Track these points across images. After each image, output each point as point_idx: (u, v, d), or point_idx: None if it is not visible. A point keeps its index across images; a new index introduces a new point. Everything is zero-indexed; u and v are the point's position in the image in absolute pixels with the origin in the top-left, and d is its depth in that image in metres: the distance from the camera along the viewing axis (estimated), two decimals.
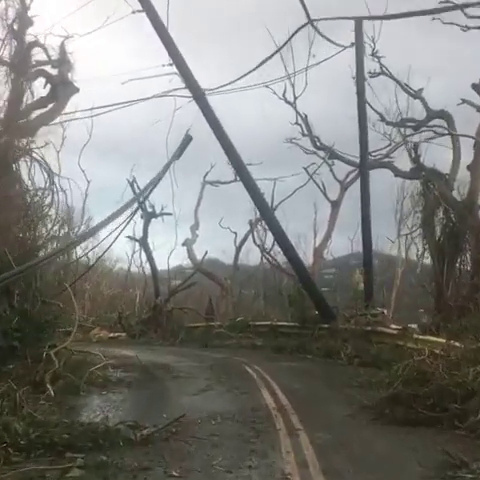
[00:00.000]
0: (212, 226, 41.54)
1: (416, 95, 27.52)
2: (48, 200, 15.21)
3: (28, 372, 12.18)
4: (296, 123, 29.88)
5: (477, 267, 22.82)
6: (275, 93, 29.99)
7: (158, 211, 30.63)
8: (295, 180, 35.96)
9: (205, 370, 15.77)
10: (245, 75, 22.54)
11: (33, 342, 13.82)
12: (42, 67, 23.83)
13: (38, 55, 23.35)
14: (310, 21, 23.53)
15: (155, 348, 23.90)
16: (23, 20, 22.63)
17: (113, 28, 26.36)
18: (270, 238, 36.12)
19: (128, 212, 19.34)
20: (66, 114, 24.95)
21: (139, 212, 30.60)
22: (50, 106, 23.48)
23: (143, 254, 35.17)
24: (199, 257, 35.96)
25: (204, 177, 39.19)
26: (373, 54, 27.11)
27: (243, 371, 15.71)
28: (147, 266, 35.56)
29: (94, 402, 11.01)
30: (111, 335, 29.41)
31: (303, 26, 23.90)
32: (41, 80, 23.63)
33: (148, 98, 24.16)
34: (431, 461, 7.31)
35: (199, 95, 22.25)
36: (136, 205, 22.80)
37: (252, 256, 41.58)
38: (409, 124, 27.62)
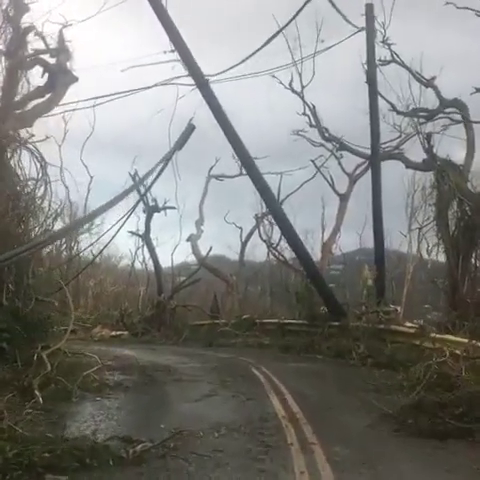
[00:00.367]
0: (217, 222, 40.64)
1: (428, 84, 26.45)
2: (41, 192, 14.18)
3: (16, 376, 11.25)
4: (304, 113, 28.85)
5: None
6: (281, 83, 29.00)
7: (161, 205, 29.57)
8: (302, 174, 35.02)
9: (209, 372, 14.77)
10: (249, 57, 21.34)
11: (24, 343, 12.91)
12: (40, 56, 22.92)
13: (35, 43, 22.43)
14: None
15: (157, 347, 22.94)
16: (19, 6, 21.70)
17: (112, 15, 25.39)
18: (277, 233, 35.28)
19: (130, 205, 18.65)
20: (64, 105, 23.95)
21: (141, 206, 29.91)
22: (47, 96, 22.54)
23: (146, 250, 34.09)
24: (204, 253, 34.98)
25: (209, 171, 38.20)
26: (384, 41, 26.10)
27: (249, 373, 14.72)
28: (150, 262, 34.57)
29: (86, 410, 10.03)
30: (113, 333, 28.50)
31: None
32: (38, 69, 22.71)
33: (149, 87, 23.11)
34: None
35: (202, 83, 21.23)
36: (138, 198, 22.06)
37: (258, 252, 40.61)
38: (421, 114, 26.51)
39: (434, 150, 24.26)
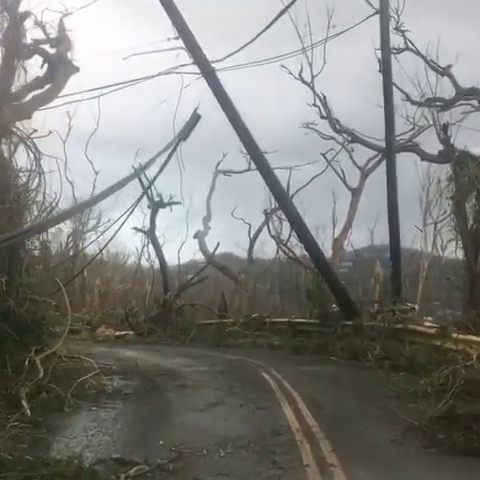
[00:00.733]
0: (225, 219, 39.61)
1: (444, 72, 25.32)
2: (35, 184, 13.20)
3: (5, 384, 10.30)
4: (314, 104, 27.71)
5: None
6: (291, 73, 27.88)
7: (166, 201, 28.55)
8: (312, 169, 33.93)
9: (215, 376, 13.78)
10: (255, 38, 20.19)
11: (15, 347, 11.96)
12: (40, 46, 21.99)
13: (34, 32, 21.50)
14: None
15: (162, 348, 21.97)
16: None
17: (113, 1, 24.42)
18: (286, 229, 34.28)
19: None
20: (64, 96, 22.98)
21: (146, 202, 28.96)
22: (47, 87, 21.61)
23: (151, 247, 33.06)
24: (211, 250, 33.92)
25: (216, 166, 37.18)
26: (397, 28, 25.01)
27: (259, 377, 13.71)
28: (156, 260, 33.52)
29: (79, 422, 9.06)
30: (117, 334, 27.57)
31: None
32: (37, 59, 21.77)
33: (153, 76, 22.09)
34: None
35: (208, 71, 20.22)
36: (141, 193, 21.15)
37: (267, 248, 39.53)
38: (437, 103, 25.41)
39: (451, 141, 23.25)
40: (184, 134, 18.70)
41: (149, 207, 28.77)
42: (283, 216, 32.26)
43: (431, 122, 27.55)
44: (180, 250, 35.36)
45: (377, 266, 35.49)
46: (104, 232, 29.38)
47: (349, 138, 28.47)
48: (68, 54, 22.17)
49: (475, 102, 24.22)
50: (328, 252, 32.13)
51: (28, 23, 21.20)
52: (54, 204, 13.40)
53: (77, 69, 21.95)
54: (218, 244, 32.12)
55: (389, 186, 20.88)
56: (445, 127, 23.08)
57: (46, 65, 21.49)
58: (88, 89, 23.67)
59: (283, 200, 22.36)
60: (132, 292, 38.82)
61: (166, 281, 30.03)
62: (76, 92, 23.46)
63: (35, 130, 30.79)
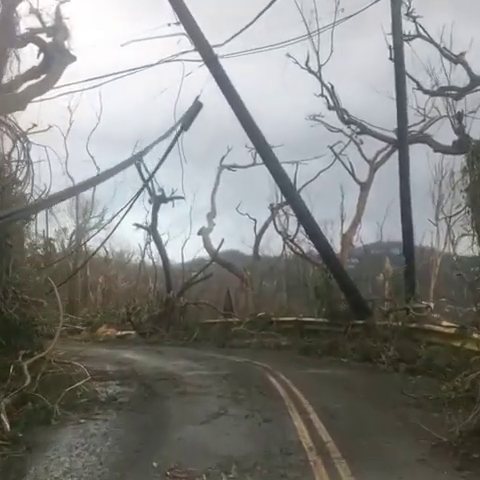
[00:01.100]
0: (230, 217, 38.73)
1: (457, 60, 24.21)
2: (23, 175, 12.23)
3: None
4: (321, 94, 26.63)
5: None
6: (297, 62, 26.80)
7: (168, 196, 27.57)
8: (318, 163, 32.89)
9: (219, 381, 12.78)
10: (254, 20, 19.17)
11: (1, 351, 11.00)
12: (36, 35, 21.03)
13: (29, 20, 20.58)
14: None
15: (165, 349, 21.02)
16: None
17: None
18: (293, 225, 33.28)
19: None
20: (61, 87, 22.00)
21: (148, 197, 28.02)
22: (42, 77, 20.65)
23: (154, 244, 32.03)
24: (216, 247, 32.96)
25: (220, 161, 36.14)
26: (408, 13, 23.89)
27: (266, 382, 12.71)
28: (159, 258, 32.57)
29: (64, 438, 8.06)
30: (119, 333, 26.66)
31: None
32: (32, 48, 20.83)
33: (153, 64, 21.12)
34: None
35: (211, 58, 19.21)
36: (142, 185, 20.18)
37: (273, 245, 38.52)
38: (450, 92, 24.33)
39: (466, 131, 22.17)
40: (185, 124, 17.77)
41: (150, 202, 27.84)
42: (290, 211, 31.32)
43: (443, 113, 26.70)
44: (184, 247, 34.27)
45: (387, 263, 34.48)
46: (103, 227, 28.39)
47: (358, 130, 27.38)
48: (65, 43, 21.24)
49: None
50: (336, 248, 31.12)
51: (23, 10, 20.37)
52: (44, 196, 12.38)
53: (74, 58, 21.03)
54: (222, 240, 31.21)
55: (402, 178, 19.82)
56: (460, 116, 22.00)
57: (42, 55, 20.67)
58: (86, 79, 22.82)
59: (290, 194, 21.31)
60: (135, 290, 37.89)
61: (169, 279, 29.08)
62: (73, 82, 22.53)
63: (34, 124, 29.71)
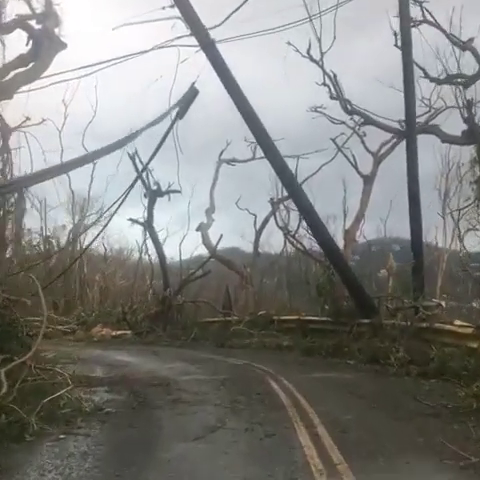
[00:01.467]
0: (229, 213, 37.76)
1: (465, 46, 23.17)
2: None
3: None
4: (323, 83, 25.54)
5: None
6: (298, 51, 25.72)
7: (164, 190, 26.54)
8: (320, 157, 31.89)
9: (217, 387, 11.77)
10: None
11: None
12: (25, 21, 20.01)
13: (18, 5, 19.61)
14: None
15: (161, 350, 20.07)
16: None
17: None
18: (294, 220, 32.26)
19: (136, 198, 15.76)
20: (50, 76, 20.93)
21: (143, 191, 27.03)
22: (31, 64, 19.63)
23: (149, 240, 31.01)
24: (218, 246, 31.98)
25: (219, 155, 35.12)
26: None
27: (267, 389, 11.70)
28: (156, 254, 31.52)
29: (37, 459, 7.01)
30: (114, 333, 25.70)
31: None
32: (20, 34, 19.83)
33: (147, 51, 19.99)
34: None
35: (208, 43, 18.21)
36: (135, 176, 19.14)
37: (274, 241, 37.47)
38: (458, 80, 23.29)
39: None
40: (181, 111, 16.75)
41: (145, 196, 26.82)
42: (291, 205, 30.37)
43: (449, 103, 25.74)
44: (182, 243, 33.27)
45: (390, 259, 33.52)
46: (96, 222, 27.52)
47: (362, 120, 26.30)
48: (56, 30, 20.22)
49: None
50: (339, 244, 30.09)
51: None
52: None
53: (65, 45, 19.99)
54: (221, 236, 30.25)
55: (409, 169, 18.86)
56: (469, 104, 21.06)
57: (31, 42, 19.68)
58: (75, 68, 21.76)
59: (293, 187, 20.29)
60: (133, 288, 36.94)
61: (166, 276, 28.13)
62: (62, 71, 21.44)
63: (28, 118, 28.60)
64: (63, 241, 39.03)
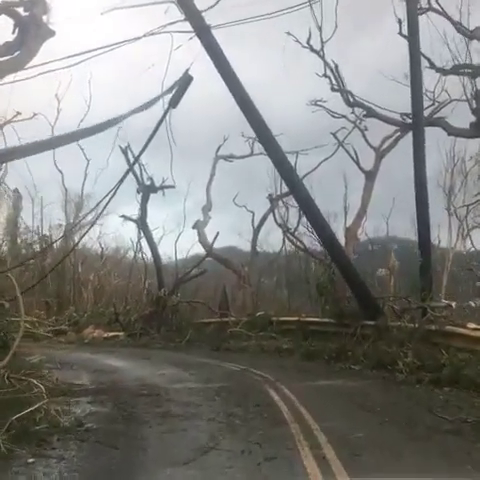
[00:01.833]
0: (227, 211, 36.77)
1: (473, 35, 22.13)
2: None
3: None
4: (324, 75, 24.47)
5: None
6: (298, 41, 24.67)
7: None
8: (320, 153, 30.91)
9: (211, 398, 10.72)
10: None
11: None
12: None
13: None
14: None
15: (154, 353, 19.04)
16: None
17: None
18: (293, 217, 31.30)
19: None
20: (38, 66, 19.84)
21: (136, 187, 26.02)
22: (17, 53, 18.59)
23: (143, 238, 29.95)
24: (214, 245, 30.91)
25: (216, 151, 34.09)
26: None
27: (267, 400, 10.63)
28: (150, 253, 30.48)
29: None
30: (106, 335, 24.66)
31: None
32: (6, 20, 18.76)
33: (139, 38, 18.94)
34: None
35: (203, 28, 17.19)
36: (126, 169, 18.12)
37: (273, 239, 36.43)
38: (465, 71, 22.26)
39: None
40: (174, 99, 15.71)
41: (138, 192, 25.76)
42: (290, 202, 29.46)
43: (453, 96, 24.79)
44: (177, 242, 32.23)
45: (392, 257, 32.54)
46: (84, 217, 26.60)
47: (364, 113, 25.25)
48: (44, 17, 19.18)
49: None
50: (340, 242, 29.08)
51: None
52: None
53: (53, 33, 18.91)
54: (217, 233, 29.15)
55: (416, 162, 17.81)
56: (478, 94, 20.01)
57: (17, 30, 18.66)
58: (65, 57, 20.70)
59: (293, 181, 19.21)
60: (127, 288, 35.93)
61: (160, 276, 27.09)
62: (51, 60, 20.39)
63: (18, 113, 27.41)
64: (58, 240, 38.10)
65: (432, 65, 22.72)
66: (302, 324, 20.51)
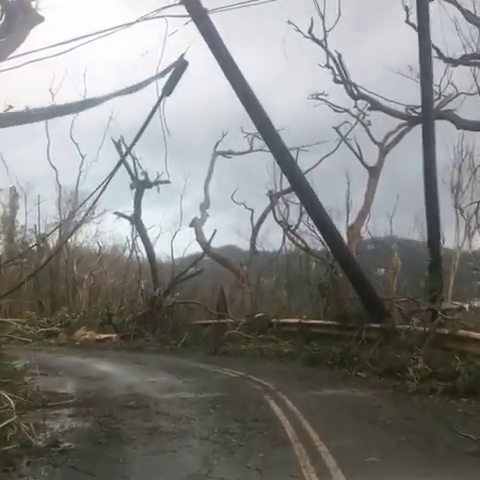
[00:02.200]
0: (226, 210, 35.85)
1: None
2: None
3: None
4: (327, 65, 23.50)
5: None
6: (299, 30, 23.76)
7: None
8: (322, 149, 30.02)
9: (205, 412, 9.67)
10: None
11: None
12: None
13: None
14: None
15: (147, 358, 18.02)
16: None
17: None
18: (294, 215, 30.34)
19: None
20: (25, 54, 18.78)
21: (129, 182, 25.01)
22: (3, 40, 17.58)
23: (138, 236, 28.94)
24: (213, 244, 29.97)
25: (215, 147, 33.24)
26: None
27: (267, 413, 9.58)
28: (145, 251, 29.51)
29: None
30: (98, 337, 23.65)
31: None
32: None
33: (131, 23, 17.88)
34: None
35: (200, 13, 16.17)
36: (118, 161, 17.11)
37: (272, 237, 35.51)
38: (475, 61, 21.31)
39: None
40: (167, 86, 14.68)
41: (132, 187, 24.72)
42: (290, 199, 28.52)
43: (460, 89, 23.95)
44: (173, 240, 31.34)
45: (394, 256, 31.57)
46: (76, 211, 25.66)
47: (368, 106, 24.28)
48: (33, 3, 18.17)
49: None
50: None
51: None
52: None
53: (42, 19, 17.85)
54: (215, 231, 28.19)
55: (426, 156, 16.78)
56: None
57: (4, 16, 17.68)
58: (55, 44, 19.65)
59: (293, 174, 18.17)
60: (123, 287, 35.03)
61: (155, 275, 26.13)
62: (38, 49, 19.34)
63: (10, 106, 26.25)
64: (55, 238, 37.20)
65: (440, 55, 21.78)
66: (303, 326, 19.59)
